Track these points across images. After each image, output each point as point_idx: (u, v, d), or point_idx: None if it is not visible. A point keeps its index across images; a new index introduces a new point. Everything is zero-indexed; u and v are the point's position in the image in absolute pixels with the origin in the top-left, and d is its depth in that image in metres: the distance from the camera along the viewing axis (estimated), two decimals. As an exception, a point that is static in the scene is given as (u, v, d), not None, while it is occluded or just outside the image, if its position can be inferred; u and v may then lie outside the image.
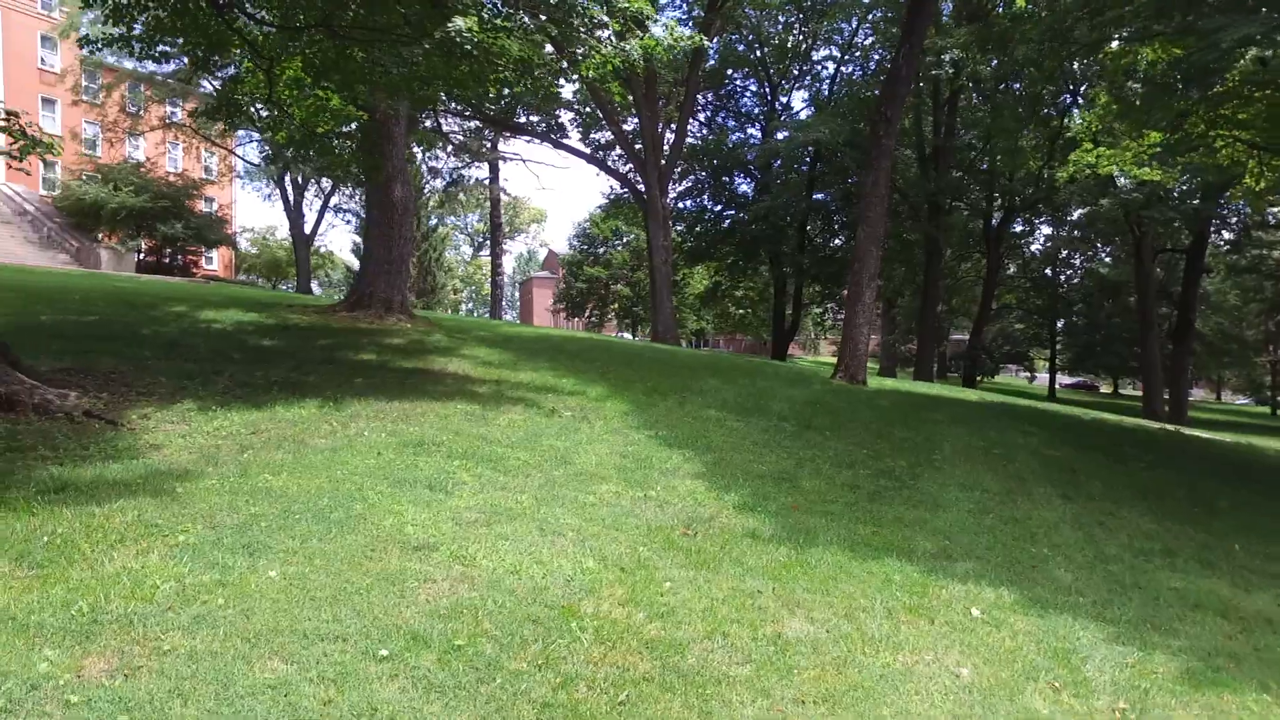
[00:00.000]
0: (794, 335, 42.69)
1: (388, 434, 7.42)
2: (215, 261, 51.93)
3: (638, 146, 29.63)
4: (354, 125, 15.22)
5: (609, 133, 32.33)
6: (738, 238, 40.12)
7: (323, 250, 50.03)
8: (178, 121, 40.91)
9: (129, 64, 40.55)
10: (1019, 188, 37.00)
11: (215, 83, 15.36)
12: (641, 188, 29.88)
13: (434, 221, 58.62)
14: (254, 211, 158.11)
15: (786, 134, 33.07)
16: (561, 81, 12.46)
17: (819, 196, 38.43)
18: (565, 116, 32.16)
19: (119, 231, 34.01)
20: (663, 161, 29.73)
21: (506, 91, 29.83)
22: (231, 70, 12.72)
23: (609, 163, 33.83)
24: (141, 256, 38.02)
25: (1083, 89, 28.42)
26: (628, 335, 61.48)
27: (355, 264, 56.54)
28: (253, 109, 13.94)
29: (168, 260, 41.35)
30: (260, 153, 40.50)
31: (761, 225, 36.57)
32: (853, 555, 5.64)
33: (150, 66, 15.27)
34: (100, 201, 33.36)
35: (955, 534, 6.44)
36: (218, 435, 6.97)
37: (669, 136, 31.20)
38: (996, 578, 5.53)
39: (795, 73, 42.00)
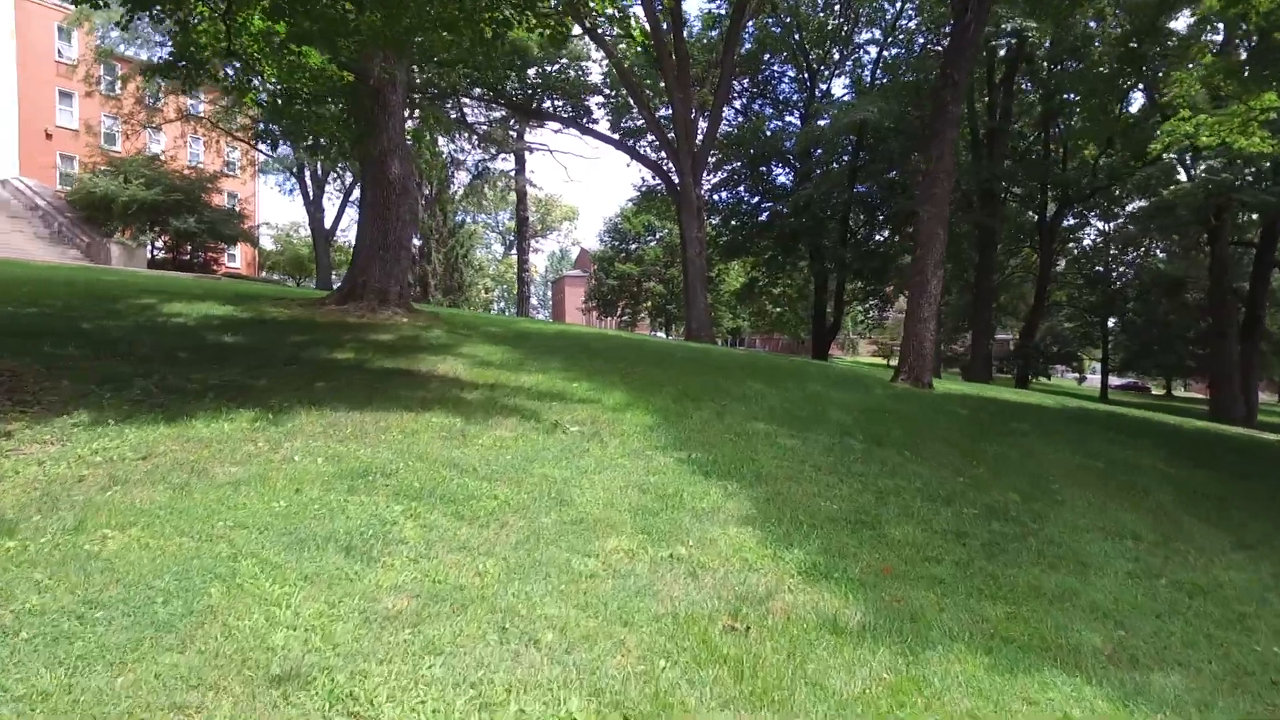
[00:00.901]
0: (835, 334, 40.50)
1: (325, 459, 5.52)
2: (238, 258, 50.76)
3: (671, 138, 27.67)
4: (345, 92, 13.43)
5: (640, 119, 30.42)
6: (776, 231, 38.04)
7: (348, 245, 48.54)
8: (197, 114, 39.65)
9: (145, 54, 39.36)
10: (1075, 177, 34.50)
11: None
12: (674, 177, 27.91)
13: (461, 218, 57.03)
14: (279, 207, 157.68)
15: (828, 119, 30.86)
16: (576, 30, 10.49)
17: (861, 188, 36.27)
18: (593, 101, 30.21)
19: (131, 226, 32.67)
20: (696, 149, 27.73)
21: (520, 62, 28.26)
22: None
23: (639, 150, 31.85)
24: (156, 253, 36.77)
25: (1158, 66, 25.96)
26: (661, 334, 59.53)
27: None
28: (225, 70, 12.19)
29: (187, 257, 40.15)
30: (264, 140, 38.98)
31: (802, 217, 34.46)
32: (991, 664, 3.62)
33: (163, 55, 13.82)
34: (111, 195, 32.04)
35: (1128, 616, 4.38)
36: (90, 461, 5.11)
37: (702, 126, 29.26)
38: (1228, 708, 3.48)
39: (835, 57, 39.79)
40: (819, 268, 36.01)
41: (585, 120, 29.74)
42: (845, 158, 37.33)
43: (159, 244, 38.41)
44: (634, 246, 52.88)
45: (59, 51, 40.55)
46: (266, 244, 55.17)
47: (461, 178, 45.70)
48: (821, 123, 34.90)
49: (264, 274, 53.95)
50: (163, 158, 37.36)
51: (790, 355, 66.35)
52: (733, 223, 39.43)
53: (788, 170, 40.67)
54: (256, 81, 11.32)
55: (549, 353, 11.67)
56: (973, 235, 33.34)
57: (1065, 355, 66.38)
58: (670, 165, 29.53)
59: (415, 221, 12.59)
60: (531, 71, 28.20)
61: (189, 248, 38.89)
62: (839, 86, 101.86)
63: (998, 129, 28.91)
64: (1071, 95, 31.54)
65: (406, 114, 25.17)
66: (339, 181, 41.01)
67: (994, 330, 43.95)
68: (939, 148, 13.50)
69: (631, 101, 28.89)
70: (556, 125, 39.01)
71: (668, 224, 50.78)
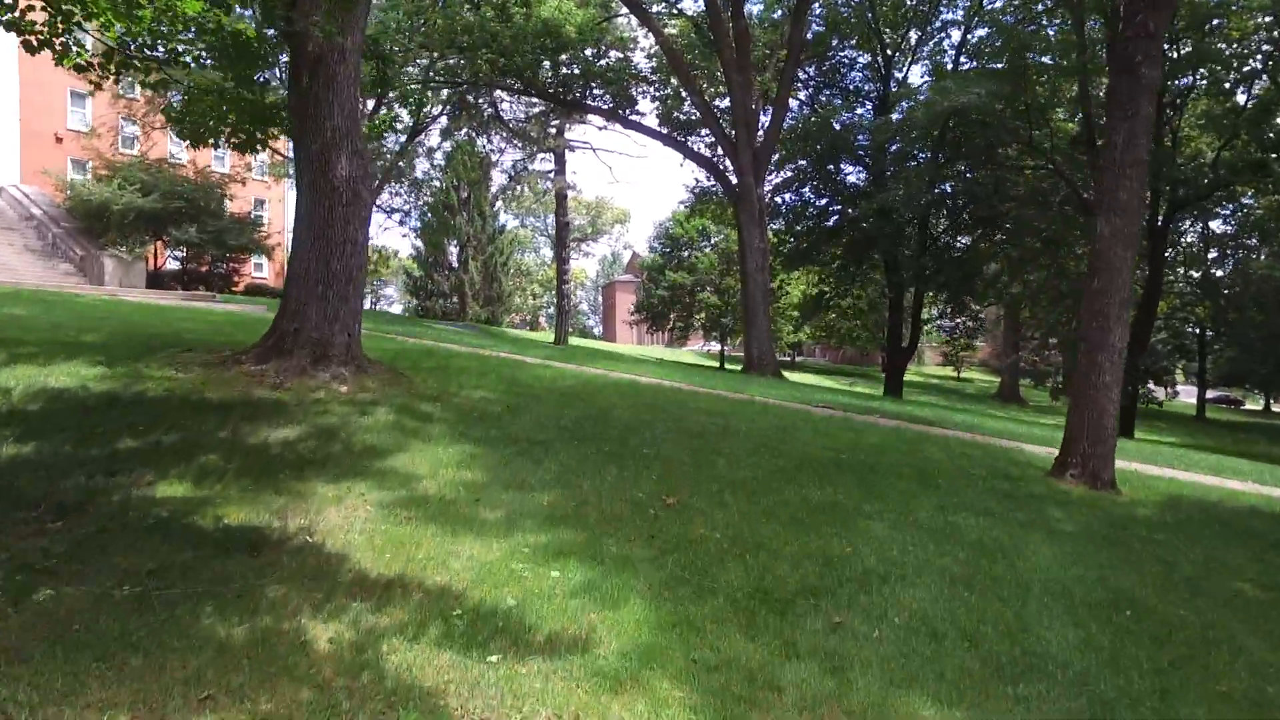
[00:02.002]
0: (912, 353, 35.90)
1: None
2: (266, 268, 47.87)
3: (730, 133, 23.53)
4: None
5: (692, 111, 26.27)
6: (847, 237, 33.63)
7: (381, 250, 45.18)
8: None
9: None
10: (1191, 173, 29.40)
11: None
12: (732, 177, 23.78)
13: (502, 222, 53.47)
14: None
15: (917, 102, 26.33)
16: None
17: (944, 187, 31.72)
18: (639, 92, 26.13)
19: (129, 237, 29.55)
20: (758, 144, 23.53)
21: (552, 45, 24.36)
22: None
23: (692, 147, 27.67)
24: (157, 265, 33.69)
25: None
26: (714, 346, 55.24)
27: (416, 272, 51.81)
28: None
29: (205, 269, 37.14)
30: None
31: (878, 222, 30.03)
32: None
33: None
34: (107, 202, 28.97)
35: None
36: None
37: (763, 119, 25.10)
38: None
39: (913, 40, 35.20)
40: (895, 279, 31.51)
41: (629, 113, 25.72)
42: (923, 155, 32.93)
43: (176, 255, 35.45)
44: (686, 253, 48.67)
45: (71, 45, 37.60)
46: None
47: (501, 180, 42.03)
48: (897, 116, 30.44)
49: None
50: (171, 161, 34.30)
51: (856, 367, 61.62)
52: (797, 228, 35.10)
53: (858, 168, 36.26)
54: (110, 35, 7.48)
55: (542, 447, 7.64)
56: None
57: (1159, 371, 60.78)
58: (727, 164, 25.40)
59: (364, 240, 8.40)
60: (566, 57, 24.33)
61: (208, 258, 35.91)
62: (916, 75, 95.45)
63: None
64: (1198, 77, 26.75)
65: (372, 101, 21.27)
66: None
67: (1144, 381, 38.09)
68: (1126, 132, 9.12)
69: (683, 91, 24.81)
70: (599, 121, 35.14)
71: (723, 228, 46.56)
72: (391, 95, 37.36)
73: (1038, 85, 21.39)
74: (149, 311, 16.50)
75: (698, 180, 34.21)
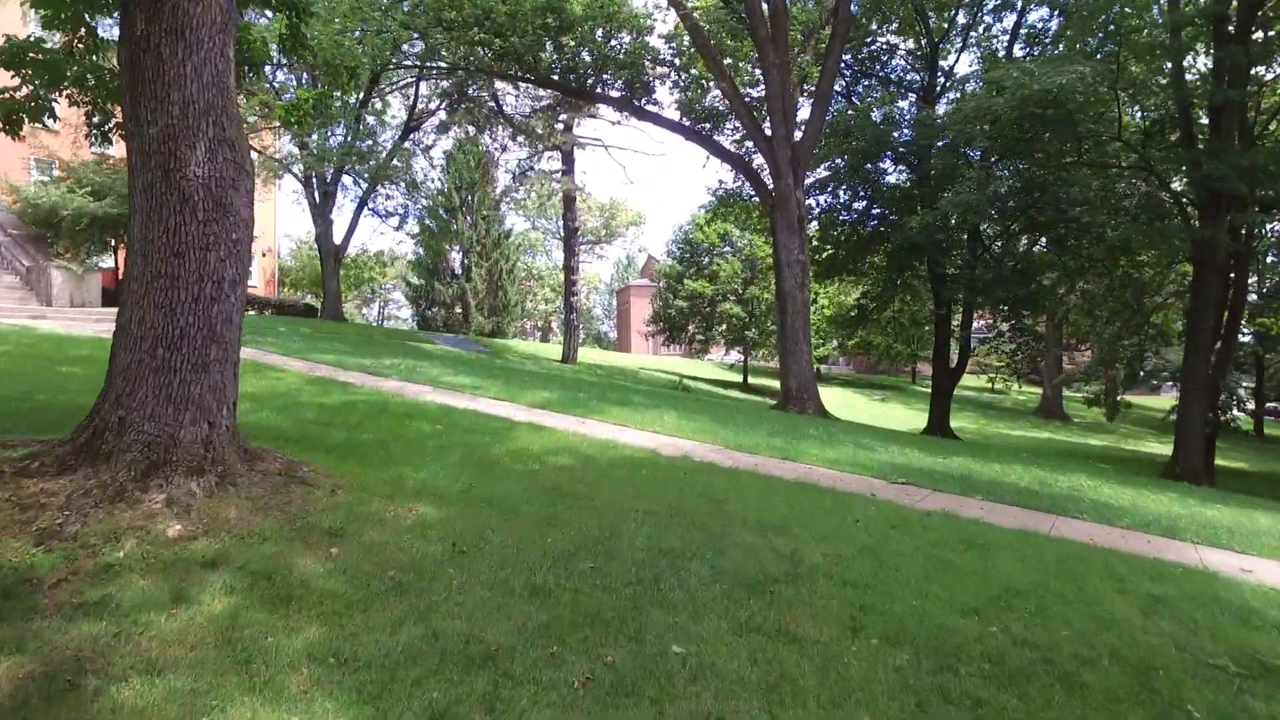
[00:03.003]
0: (961, 373, 32.19)
1: None
2: (255, 277, 44.66)
3: (766, 128, 20.02)
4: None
5: (718, 98, 22.68)
6: (889, 245, 30.03)
7: (372, 253, 41.82)
8: None
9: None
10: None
11: None
12: (767, 177, 20.24)
13: (509, 225, 49.91)
14: (304, 218, 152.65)
15: (986, 89, 22.68)
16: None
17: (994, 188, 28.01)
18: (657, 76, 22.54)
19: (80, 246, 26.30)
20: (798, 134, 19.98)
21: (555, 23, 20.90)
22: None
23: (718, 141, 24.09)
24: (119, 277, 30.35)
25: None
26: (736, 356, 51.65)
27: (416, 280, 48.48)
28: None
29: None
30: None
31: (927, 228, 26.45)
32: None
33: None
34: (56, 206, 25.74)
35: None
36: None
37: (801, 115, 21.52)
38: None
39: (961, 22, 31.50)
40: (946, 292, 27.84)
41: (645, 102, 22.16)
42: (974, 154, 29.38)
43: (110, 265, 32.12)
44: (706, 260, 45.06)
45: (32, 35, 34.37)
46: (284, 258, 49.18)
47: (506, 181, 38.59)
48: (944, 109, 26.87)
49: (297, 294, 47.85)
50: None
51: (883, 378, 57.88)
52: (831, 234, 31.48)
53: (898, 168, 32.67)
54: None
55: (488, 671, 4.14)
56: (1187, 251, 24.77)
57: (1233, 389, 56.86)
58: (760, 161, 21.88)
59: (240, 275, 4.63)
60: (573, 39, 20.80)
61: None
62: (965, 64, 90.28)
63: (1230, 100, 19.82)
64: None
65: (279, 75, 17.74)
66: (354, 188, 34.27)
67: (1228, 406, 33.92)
68: None
69: (709, 77, 21.24)
70: (611, 115, 31.65)
71: (747, 234, 42.98)
72: (381, 86, 33.93)
73: (1137, 66, 17.71)
74: (47, 345, 13.15)
75: (721, 182, 30.67)
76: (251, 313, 37.36)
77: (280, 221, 47.49)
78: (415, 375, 14.94)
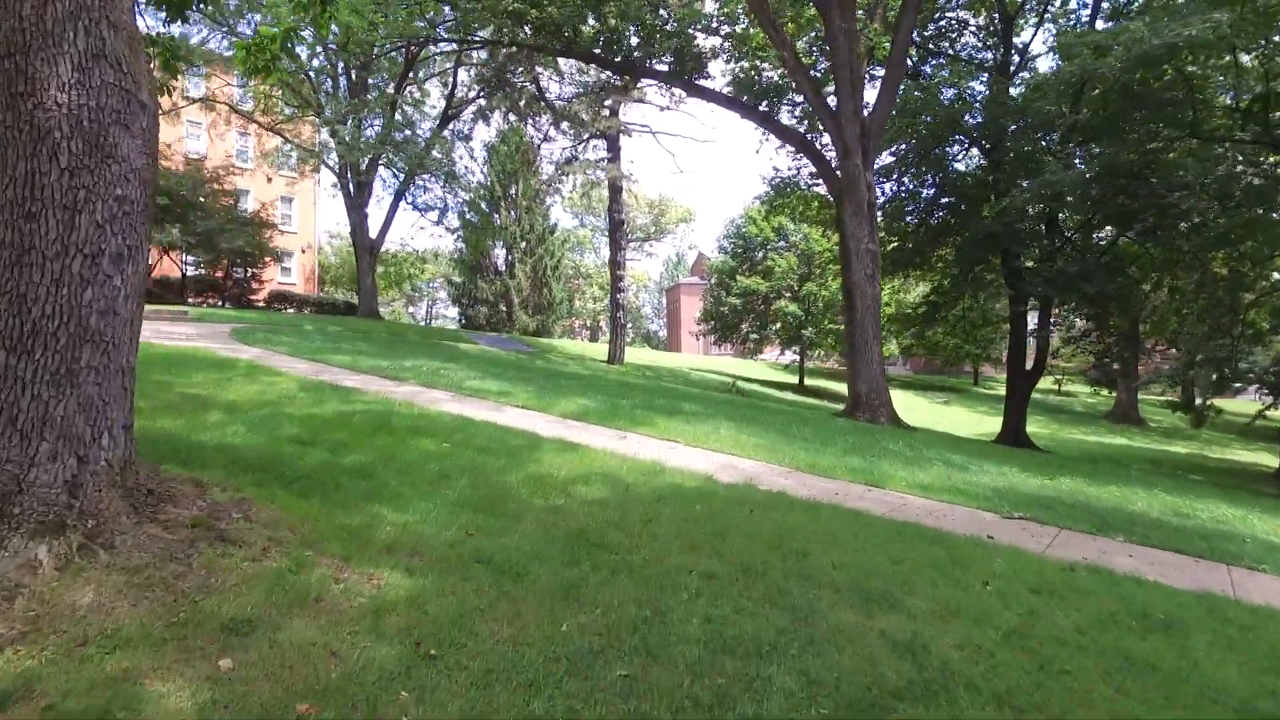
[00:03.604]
0: (1038, 376, 29.65)
1: None
2: (295, 273, 43.61)
3: (831, 102, 17.96)
4: None
5: (775, 69, 20.55)
6: (960, 236, 27.71)
7: (390, 253, 40.32)
8: (245, 108, 32.10)
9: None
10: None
11: None
12: (831, 155, 18.16)
13: (554, 220, 48.08)
14: (343, 214, 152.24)
15: (1089, 47, 20.23)
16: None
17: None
18: (708, 46, 20.50)
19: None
20: (867, 110, 17.86)
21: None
22: None
23: (777, 118, 21.94)
24: (189, 269, 29.36)
25: None
26: (790, 356, 49.34)
27: (457, 278, 47.10)
28: None
29: (221, 276, 32.79)
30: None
31: (1004, 217, 24.15)
32: None
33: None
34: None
35: None
36: None
37: (868, 98, 19.35)
38: None
39: (1035, -1, 28.98)
40: (1028, 287, 25.37)
41: (697, 77, 20.12)
42: (1049, 137, 27.02)
43: (189, 260, 31.13)
44: (760, 255, 42.82)
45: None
46: (327, 255, 48.03)
47: (548, 172, 36.79)
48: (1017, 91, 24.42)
49: (323, 290, 46.72)
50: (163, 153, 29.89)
51: (942, 378, 55.09)
52: (898, 224, 29.14)
53: (967, 152, 30.32)
54: None
55: None
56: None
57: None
58: (824, 141, 19.80)
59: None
60: (615, 7, 18.87)
61: (225, 264, 31.53)
62: (1040, 42, 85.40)
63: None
64: None
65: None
66: (392, 179, 32.77)
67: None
68: None
69: (767, 40, 19.15)
70: (660, 101, 29.72)
71: (802, 228, 40.70)
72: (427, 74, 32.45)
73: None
74: None
75: (777, 170, 28.57)
76: (290, 311, 36.20)
77: (320, 217, 46.37)
78: (436, 379, 13.15)
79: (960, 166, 29.93)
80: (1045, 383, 67.85)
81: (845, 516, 7.31)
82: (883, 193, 28.91)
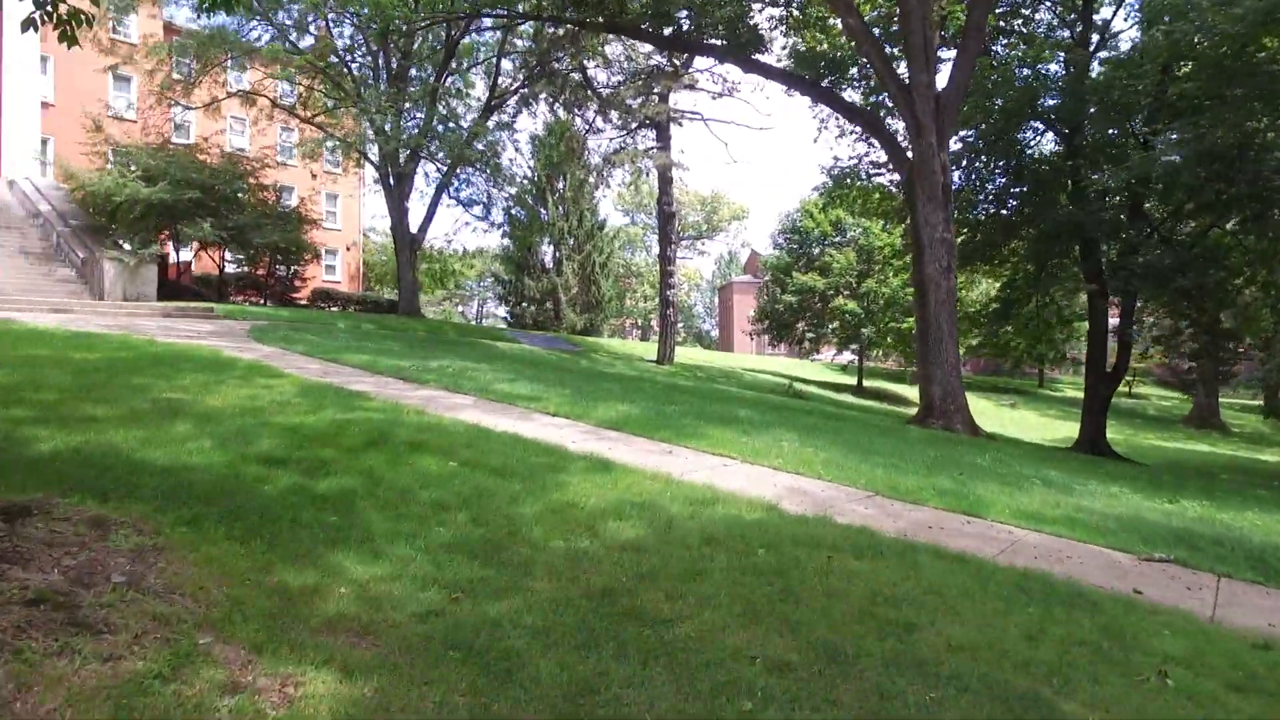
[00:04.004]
0: (1119, 380, 27.47)
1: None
2: (339, 270, 42.89)
3: (904, 73, 16.27)
4: None
5: (841, 38, 18.82)
6: (1035, 229, 25.74)
7: (435, 249, 39.29)
8: (288, 103, 31.32)
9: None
10: None
11: None
12: (902, 136, 16.47)
13: (603, 216, 46.69)
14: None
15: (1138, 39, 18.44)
16: None
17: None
18: (764, 18, 18.83)
19: (136, 235, 24.37)
20: (939, 90, 16.10)
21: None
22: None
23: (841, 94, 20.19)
24: (177, 267, 28.60)
25: None
26: (848, 355, 47.38)
27: (504, 275, 46.07)
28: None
29: (263, 273, 32.02)
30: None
31: (1086, 206, 22.27)
32: None
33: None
34: (110, 193, 23.87)
35: None
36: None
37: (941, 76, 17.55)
38: None
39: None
40: (1116, 282, 23.27)
41: (752, 52, 18.47)
42: (1132, 123, 25.03)
43: (229, 257, 30.38)
44: (817, 250, 40.91)
45: (113, 26, 32.81)
46: (375, 252, 47.28)
47: (597, 164, 35.36)
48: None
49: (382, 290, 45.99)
50: (207, 146, 29.17)
51: (1005, 380, 52.60)
52: (968, 215, 27.16)
53: (1041, 137, 28.34)
54: None
55: None
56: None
57: None
58: (898, 118, 18.10)
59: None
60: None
61: (266, 260, 30.73)
62: (1121, 18, 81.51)
63: None
64: None
65: None
66: (433, 171, 31.64)
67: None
68: None
69: (828, 6, 17.46)
70: (713, 86, 28.15)
71: (861, 221, 38.77)
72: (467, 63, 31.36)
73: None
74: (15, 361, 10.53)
75: (836, 159, 26.73)
76: (334, 309, 35.40)
77: (366, 214, 45.65)
78: (461, 382, 11.78)
79: (1032, 153, 27.93)
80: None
81: (950, 563, 5.70)
82: (952, 182, 26.98)
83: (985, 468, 10.61)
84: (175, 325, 16.33)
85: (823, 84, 19.77)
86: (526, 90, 28.25)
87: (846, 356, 48.24)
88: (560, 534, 5.39)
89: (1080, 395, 52.52)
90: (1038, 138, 28.18)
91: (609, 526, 5.63)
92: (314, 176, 35.42)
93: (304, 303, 34.26)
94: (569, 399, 11.28)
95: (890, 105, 22.75)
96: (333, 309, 35.20)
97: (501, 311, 53.35)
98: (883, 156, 25.85)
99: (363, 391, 9.78)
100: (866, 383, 41.40)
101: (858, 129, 23.92)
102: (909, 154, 16.13)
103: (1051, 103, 25.27)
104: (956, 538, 6.53)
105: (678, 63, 27.33)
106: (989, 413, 37.62)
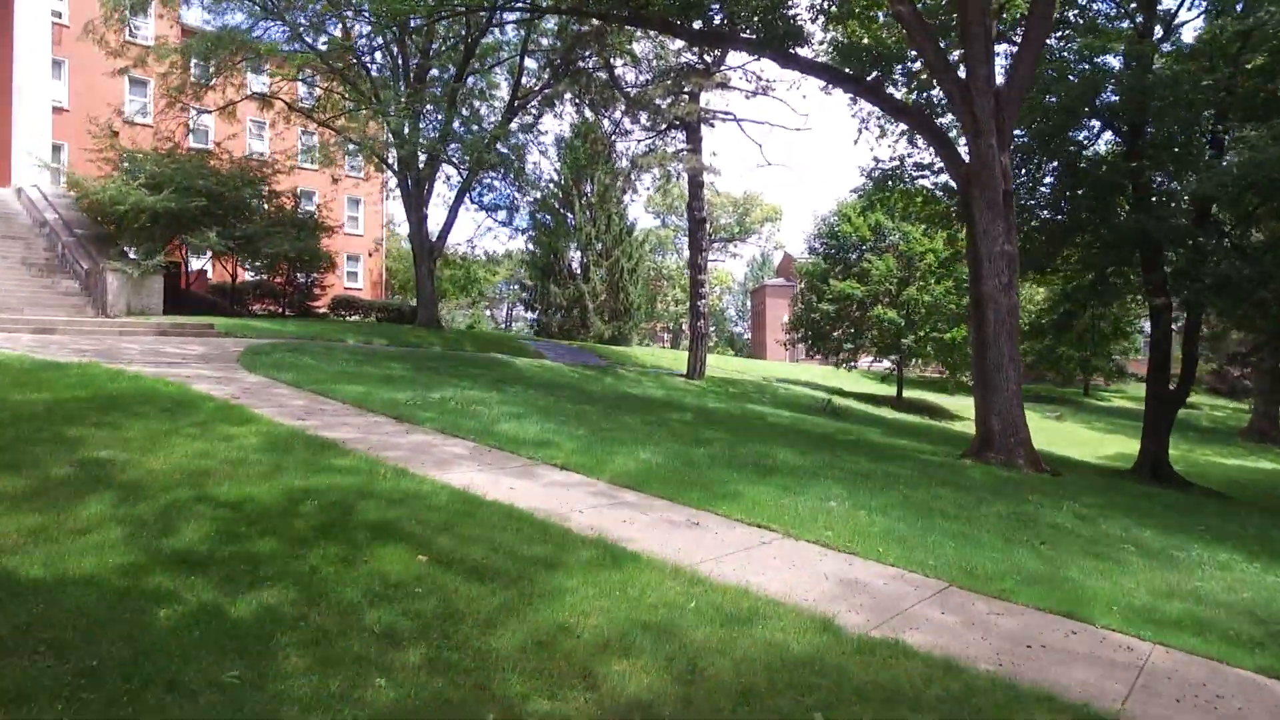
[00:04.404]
0: (1184, 397, 25.59)
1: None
2: (360, 278, 41.89)
3: (962, 72, 14.68)
4: None
5: (892, 28, 17.25)
6: (1092, 236, 24.05)
7: (457, 254, 38.07)
8: (306, 106, 30.30)
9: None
10: None
11: None
12: (958, 138, 14.91)
13: (632, 219, 45.25)
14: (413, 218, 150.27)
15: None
16: None
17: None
18: (805, 6, 17.27)
19: (141, 245, 23.38)
20: (999, 86, 14.48)
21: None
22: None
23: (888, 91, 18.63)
24: (188, 277, 27.59)
25: None
26: (881, 364, 45.64)
27: (529, 282, 44.80)
28: None
29: (280, 283, 31.03)
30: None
31: (1151, 213, 20.61)
32: None
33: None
34: (114, 200, 22.89)
35: None
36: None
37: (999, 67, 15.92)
38: None
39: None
40: (1188, 293, 21.47)
41: (790, 45, 16.93)
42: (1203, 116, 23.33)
43: (247, 265, 29.39)
44: (855, 257, 39.19)
45: (131, 31, 31.86)
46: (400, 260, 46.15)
47: (624, 167, 33.99)
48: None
49: (401, 297, 44.93)
50: (215, 150, 28.16)
51: (1048, 388, 50.44)
52: (1018, 221, 25.38)
53: (1099, 137, 26.59)
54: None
55: None
56: None
57: None
58: (949, 118, 16.52)
59: None
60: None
61: (282, 268, 29.71)
62: (1185, 10, 78.60)
63: None
64: None
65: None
66: (453, 176, 30.39)
67: None
68: None
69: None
70: (746, 85, 26.68)
71: (902, 226, 37.04)
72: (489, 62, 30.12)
73: None
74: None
75: (877, 162, 24.97)
76: (354, 317, 34.35)
77: (387, 220, 44.61)
78: (460, 422, 10.40)
79: (1088, 153, 26.17)
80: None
81: (1073, 726, 4.19)
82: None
83: (1067, 529, 9.05)
84: (163, 347, 15.14)
85: (868, 79, 18.17)
86: (550, 90, 26.92)
87: (884, 364, 46.55)
88: (546, 686, 3.96)
89: (1129, 405, 50.27)
90: (1094, 138, 26.45)
91: (610, 670, 4.19)
92: (335, 181, 34.37)
93: (324, 310, 33.25)
94: (582, 444, 9.85)
95: (938, 104, 21.15)
96: (353, 317, 34.14)
97: (528, 316, 52.17)
98: (927, 158, 24.24)
99: (340, 442, 8.42)
100: (906, 393, 39.64)
101: (901, 129, 22.29)
102: (965, 156, 14.53)
103: (1112, 99, 23.52)
104: (1066, 664, 5.02)
105: (709, 60, 25.87)
106: (1035, 426, 35.67)
